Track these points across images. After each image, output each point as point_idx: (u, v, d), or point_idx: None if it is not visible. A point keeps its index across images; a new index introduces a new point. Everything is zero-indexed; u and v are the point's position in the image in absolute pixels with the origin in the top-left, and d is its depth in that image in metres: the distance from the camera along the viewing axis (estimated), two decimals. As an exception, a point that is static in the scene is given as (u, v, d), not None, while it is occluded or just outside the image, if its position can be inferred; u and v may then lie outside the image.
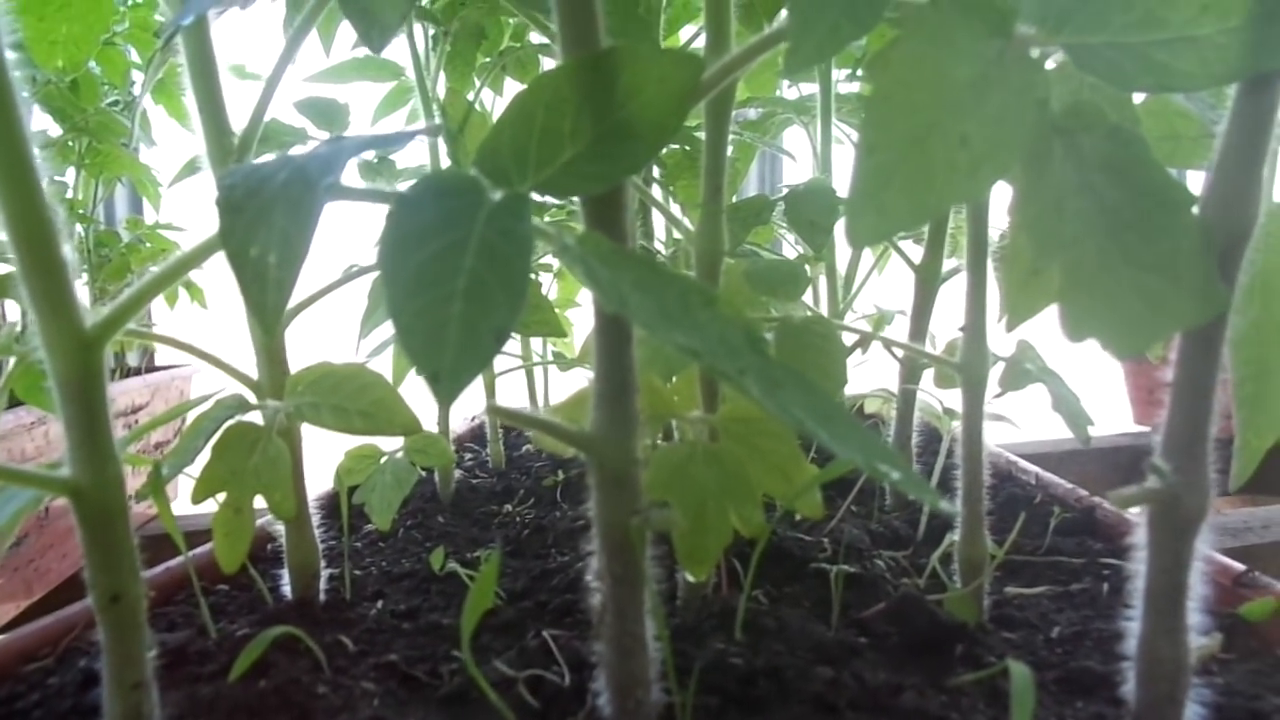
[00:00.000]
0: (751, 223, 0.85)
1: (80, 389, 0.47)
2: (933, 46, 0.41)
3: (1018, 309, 0.61)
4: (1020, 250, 0.59)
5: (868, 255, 1.28)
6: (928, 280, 1.02)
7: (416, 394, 0.73)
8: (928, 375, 1.05)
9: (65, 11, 0.98)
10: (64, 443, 0.48)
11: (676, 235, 1.32)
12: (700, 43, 1.12)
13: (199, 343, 0.73)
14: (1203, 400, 0.50)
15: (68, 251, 0.47)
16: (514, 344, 1.44)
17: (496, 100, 1.29)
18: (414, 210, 0.39)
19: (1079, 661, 0.66)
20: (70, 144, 1.61)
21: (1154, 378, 0.54)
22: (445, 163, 1.10)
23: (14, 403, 1.13)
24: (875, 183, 0.41)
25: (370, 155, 1.11)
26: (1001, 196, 0.63)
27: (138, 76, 1.64)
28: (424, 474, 1.07)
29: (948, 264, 1.02)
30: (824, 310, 1.19)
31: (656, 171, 1.07)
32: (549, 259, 1.42)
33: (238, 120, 0.71)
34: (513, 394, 1.65)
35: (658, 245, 1.29)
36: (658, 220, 1.31)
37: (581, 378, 1.44)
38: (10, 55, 0.43)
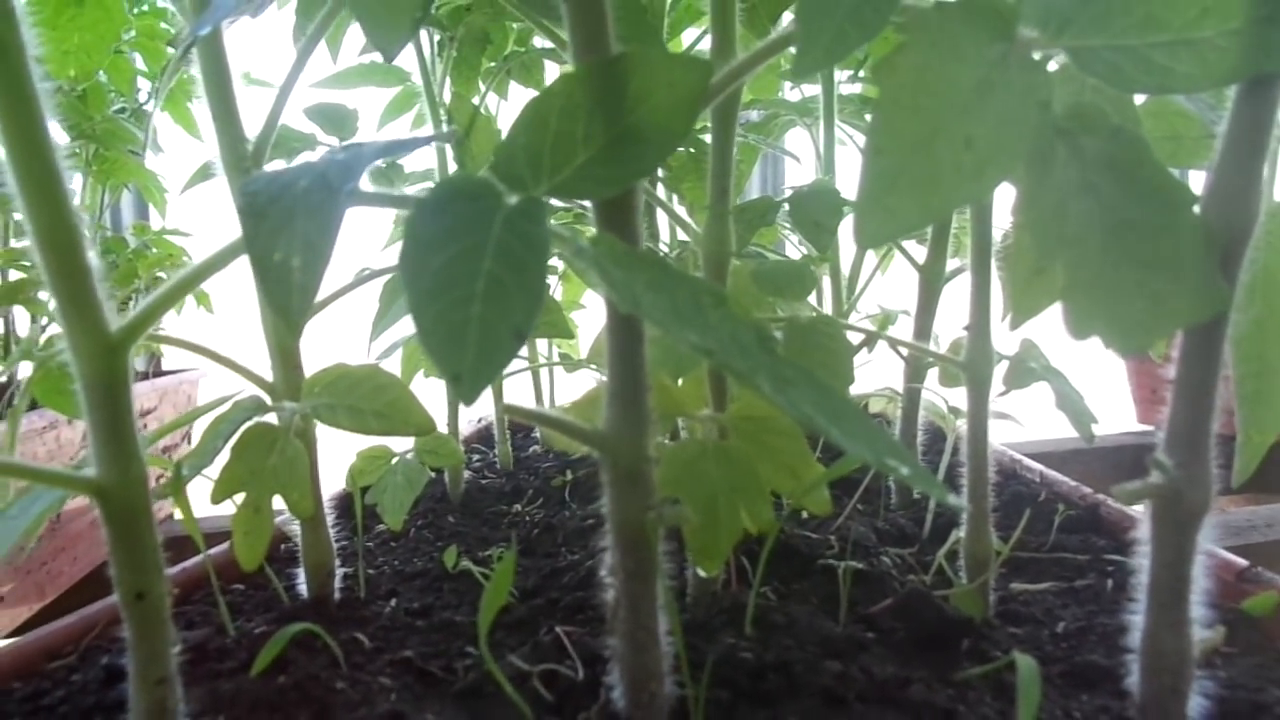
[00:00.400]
0: (757, 224, 0.86)
1: (106, 391, 0.49)
2: (937, 51, 0.42)
3: (1021, 307, 0.62)
4: (1024, 250, 0.60)
5: (871, 256, 1.29)
6: (932, 280, 1.03)
7: (424, 396, 0.74)
8: (932, 374, 1.05)
9: (77, 21, 0.99)
10: (89, 444, 0.49)
11: (681, 237, 1.33)
12: (702, 45, 1.13)
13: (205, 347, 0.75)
14: (1205, 396, 0.50)
15: (92, 257, 0.48)
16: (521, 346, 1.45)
17: (501, 105, 1.30)
18: (433, 215, 0.40)
19: (1084, 656, 0.67)
20: (78, 151, 1.62)
21: (1157, 377, 0.55)
22: (452, 167, 1.11)
23: (27, 407, 1.14)
24: (882, 185, 0.42)
25: (379, 160, 1.12)
26: (1004, 197, 0.64)
27: (143, 84, 1.66)
28: (434, 475, 1.08)
29: (951, 264, 1.03)
30: (828, 311, 1.20)
31: (661, 174, 1.08)
32: (554, 261, 1.42)
33: (247, 126, 0.72)
34: (518, 396, 1.67)
35: (663, 247, 1.30)
36: (662, 222, 1.32)
37: (588, 379, 1.45)
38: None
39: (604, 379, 0.53)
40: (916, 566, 0.86)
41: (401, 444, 0.95)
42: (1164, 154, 0.59)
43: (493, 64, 1.18)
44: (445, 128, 1.08)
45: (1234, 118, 0.48)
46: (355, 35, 1.11)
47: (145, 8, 1.57)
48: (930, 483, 0.37)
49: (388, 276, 0.88)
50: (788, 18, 0.82)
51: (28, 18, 0.45)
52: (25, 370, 0.84)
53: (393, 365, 1.09)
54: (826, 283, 1.24)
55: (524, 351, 1.48)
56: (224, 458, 0.68)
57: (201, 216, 1.92)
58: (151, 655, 0.51)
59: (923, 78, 0.42)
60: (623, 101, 0.45)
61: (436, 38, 1.12)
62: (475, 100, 1.15)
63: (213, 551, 0.84)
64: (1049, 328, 0.71)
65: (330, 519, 0.80)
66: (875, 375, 1.21)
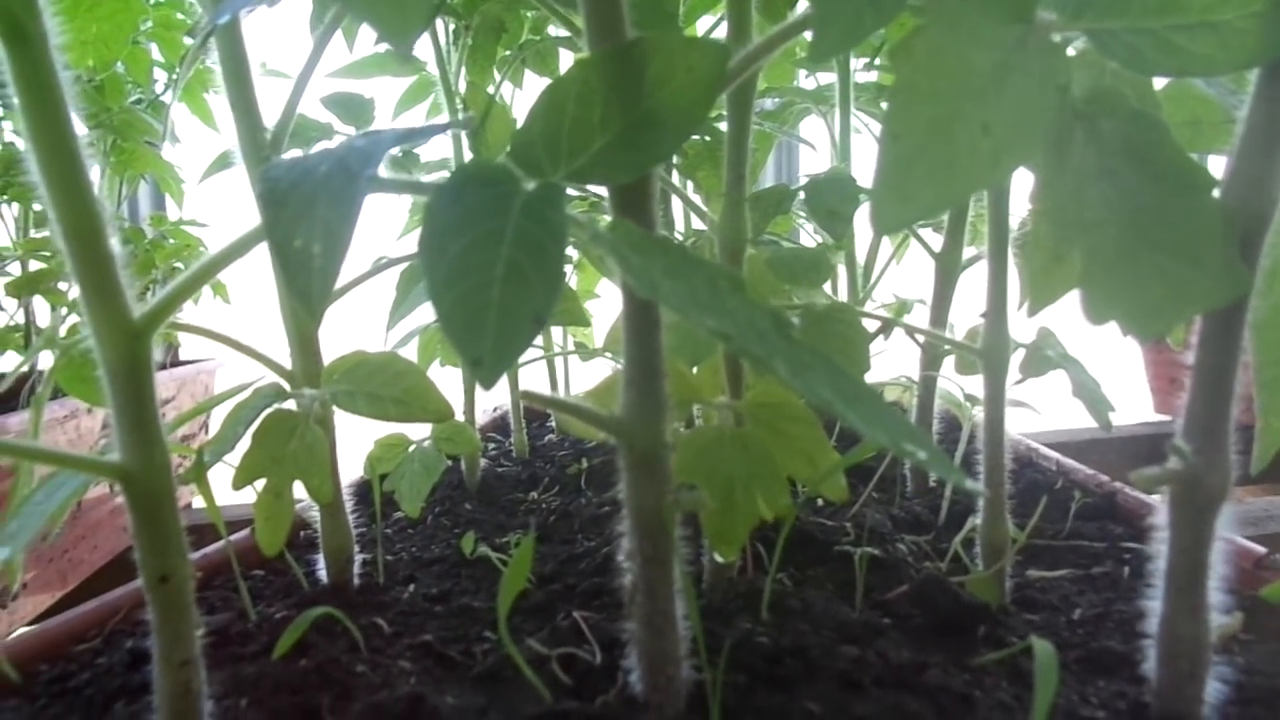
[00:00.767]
0: (772, 212, 0.86)
1: (129, 377, 0.49)
2: (954, 34, 0.42)
3: (1040, 294, 0.62)
4: (1042, 236, 0.60)
5: (886, 244, 1.28)
6: (948, 268, 1.02)
7: (440, 385, 0.74)
8: (947, 363, 1.05)
9: (95, 11, 1.00)
10: (113, 429, 0.50)
11: (695, 225, 1.33)
12: (716, 34, 1.13)
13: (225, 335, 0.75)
14: (1224, 382, 0.50)
15: (115, 243, 0.48)
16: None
17: (516, 93, 1.30)
18: (452, 201, 0.40)
19: (1100, 642, 0.67)
20: (95, 142, 1.63)
21: (1175, 365, 0.55)
22: (468, 156, 1.12)
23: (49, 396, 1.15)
24: (899, 170, 0.42)
25: (396, 149, 1.12)
26: (1022, 183, 0.64)
27: (160, 75, 1.66)
28: (450, 463, 1.08)
29: (967, 252, 1.03)
30: (844, 300, 1.20)
31: (675, 161, 1.08)
32: (569, 250, 1.43)
33: (264, 116, 0.73)
34: (533, 385, 1.67)
35: (678, 235, 1.30)
36: (677, 210, 1.32)
37: (603, 368, 1.45)
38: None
39: (620, 366, 0.54)
40: (932, 554, 0.86)
41: (418, 432, 0.96)
42: (1183, 139, 0.58)
43: (508, 52, 1.18)
44: (461, 116, 1.08)
45: (1255, 101, 0.47)
46: (371, 24, 1.11)
47: (162, -2, 1.58)
48: (948, 467, 0.37)
49: (404, 265, 0.89)
50: (803, 3, 0.82)
51: (50, 5, 0.46)
52: (46, 361, 0.85)
53: (409, 354, 1.10)
54: (841, 271, 1.24)
55: (539, 340, 1.48)
56: (244, 444, 0.69)
57: (218, 207, 1.93)
58: (176, 638, 0.52)
59: (940, 61, 0.42)
60: (640, 86, 0.45)
61: (452, 26, 1.12)
62: (490, 89, 1.16)
63: (233, 538, 0.85)
64: (1064, 316, 0.71)
65: (348, 506, 0.81)
66: (890, 364, 1.21)
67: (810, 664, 0.60)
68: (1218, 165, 0.50)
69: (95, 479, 0.54)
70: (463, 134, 1.12)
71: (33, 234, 1.67)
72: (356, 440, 0.91)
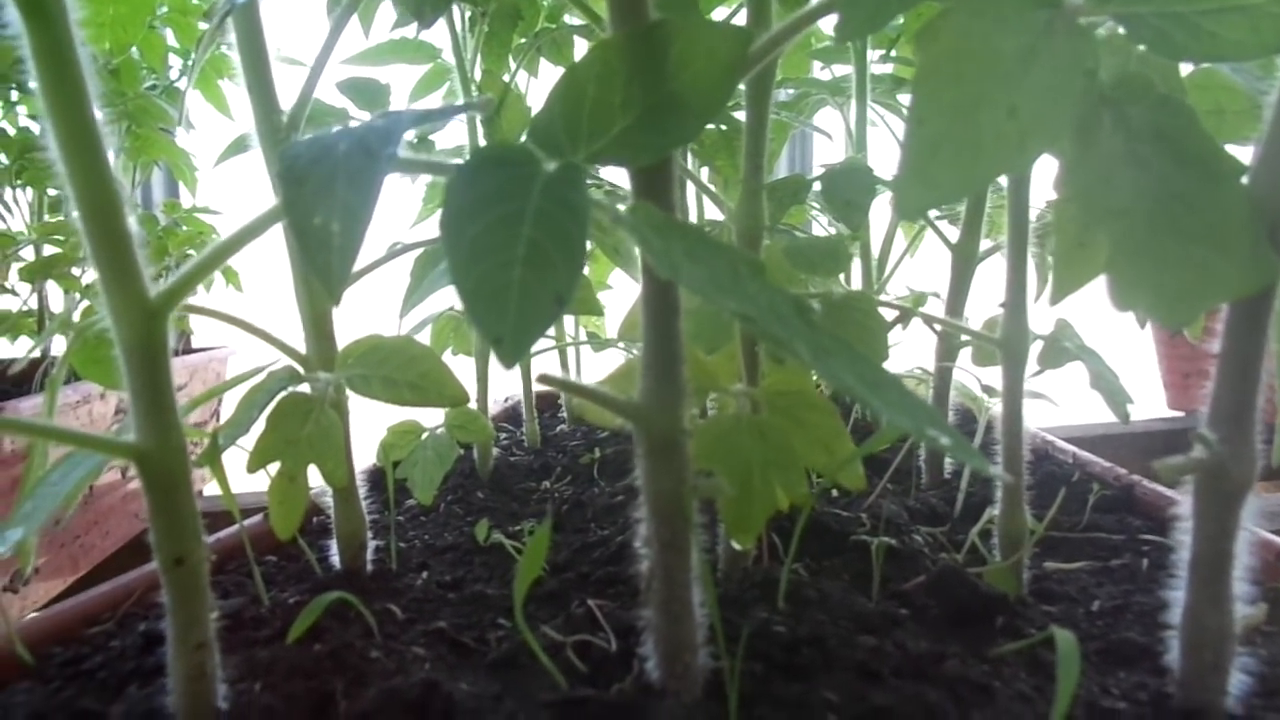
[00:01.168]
0: (789, 202, 0.85)
1: (145, 357, 0.49)
2: (980, 18, 0.41)
3: (1064, 280, 0.61)
4: (1067, 222, 0.59)
5: (900, 237, 1.28)
6: (965, 259, 1.02)
7: (454, 369, 0.74)
8: (964, 355, 1.04)
9: (113, -6, 1.00)
10: (130, 410, 0.50)
11: (710, 215, 1.33)
12: (734, 20, 1.12)
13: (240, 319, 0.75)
14: (1250, 371, 0.50)
15: (132, 223, 0.48)
16: (548, 325, 1.46)
17: (531, 82, 1.29)
18: (472, 181, 0.40)
19: (1120, 633, 0.66)
20: (110, 128, 1.63)
21: (1189, 361, 0.54)
22: (483, 142, 1.11)
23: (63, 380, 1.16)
24: (924, 154, 0.41)
25: (411, 135, 1.12)
26: (1042, 174, 0.63)
27: (175, 61, 1.66)
28: (463, 451, 1.08)
29: (984, 244, 1.02)
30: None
31: (690, 148, 1.08)
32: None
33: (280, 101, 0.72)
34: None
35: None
36: (692, 200, 1.32)
37: (615, 358, 1.45)
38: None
39: (635, 354, 0.53)
40: (948, 545, 0.86)
41: (431, 419, 0.95)
42: (1208, 128, 0.58)
43: (523, 40, 1.17)
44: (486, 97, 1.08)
45: (1285, 86, 0.47)
46: (387, 10, 1.11)
47: (178, -17, 1.57)
48: (970, 453, 0.37)
49: (419, 251, 0.89)
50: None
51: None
52: (59, 345, 0.85)
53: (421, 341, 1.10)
54: (856, 264, 1.23)
55: (552, 330, 1.48)
56: (259, 428, 0.69)
57: (231, 194, 1.94)
58: (190, 620, 0.52)
59: (965, 45, 0.41)
60: (662, 69, 0.44)
61: (468, 13, 1.12)
62: (506, 77, 1.15)
63: (246, 523, 0.85)
64: (1078, 309, 0.70)
65: (362, 493, 0.81)
66: (906, 356, 1.20)
67: (828, 653, 0.60)
68: (1240, 155, 0.50)
69: (110, 461, 0.54)
70: (478, 123, 1.11)
71: (46, 219, 1.68)
72: (369, 427, 0.91)
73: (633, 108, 0.44)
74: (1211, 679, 0.53)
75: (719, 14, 1.22)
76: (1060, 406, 0.96)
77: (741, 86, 0.68)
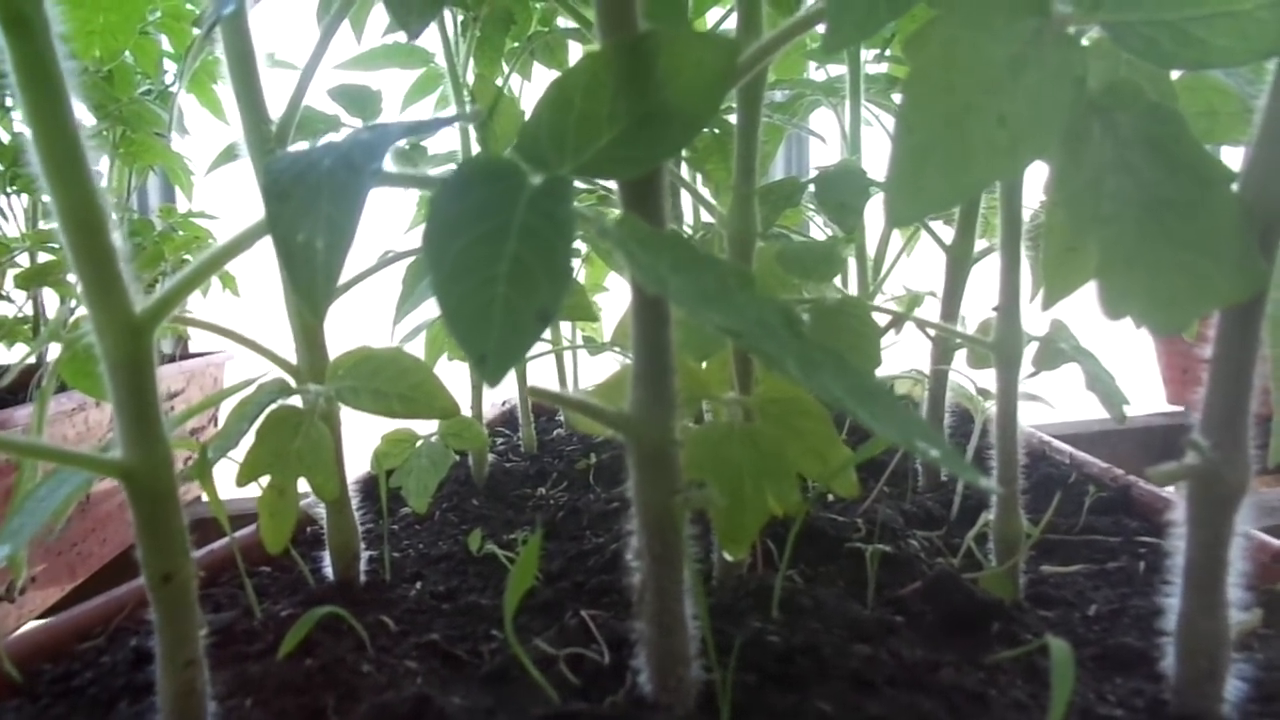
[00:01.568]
0: (782, 205, 0.85)
1: (130, 372, 0.48)
2: (969, 26, 0.41)
3: (1054, 287, 0.61)
4: (1057, 228, 0.59)
5: (896, 237, 1.28)
6: (959, 261, 1.01)
7: (448, 379, 0.74)
8: (959, 357, 1.04)
9: (102, 1, 0.99)
10: (115, 426, 0.50)
11: (704, 219, 1.32)
12: (724, 27, 1.12)
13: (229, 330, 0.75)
14: (1242, 376, 0.50)
15: (117, 238, 0.48)
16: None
17: (524, 86, 1.29)
18: (457, 195, 0.40)
19: (1117, 638, 0.66)
20: (104, 133, 1.63)
21: (1187, 356, 0.54)
22: (476, 149, 1.11)
23: (55, 389, 1.15)
24: (913, 163, 0.41)
25: (403, 142, 1.11)
26: (1034, 176, 0.63)
27: (169, 66, 1.66)
28: (458, 458, 1.08)
29: (979, 245, 1.02)
30: (854, 294, 1.19)
31: (684, 154, 1.07)
32: (577, 244, 1.42)
33: (271, 108, 0.72)
34: (541, 379, 1.67)
35: (686, 229, 1.29)
36: (686, 204, 1.32)
37: (611, 362, 1.45)
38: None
39: (628, 361, 0.53)
40: (945, 549, 0.86)
41: (426, 427, 0.95)
42: (1200, 130, 0.58)
43: (516, 44, 1.17)
44: (469, 109, 1.08)
45: (1274, 92, 0.47)
46: (378, 15, 1.11)
47: (170, -11, 1.57)
48: (960, 464, 0.37)
49: (411, 259, 0.88)
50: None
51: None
52: (54, 352, 0.84)
53: (416, 348, 1.09)
54: (852, 265, 1.23)
55: (547, 334, 1.47)
56: (249, 441, 0.68)
57: (228, 199, 1.93)
58: (179, 638, 0.52)
59: (954, 54, 0.41)
60: (649, 80, 0.44)
61: (460, 18, 1.12)
62: (499, 81, 1.15)
63: (238, 534, 0.85)
64: (1075, 306, 0.70)
65: (355, 502, 0.80)
66: (901, 358, 1.20)
67: (822, 663, 0.59)
68: (1230, 157, 0.50)
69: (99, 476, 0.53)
70: (470, 127, 1.11)
71: (41, 225, 1.67)
72: (364, 434, 0.91)
73: (620, 120, 0.44)
74: (1207, 686, 0.52)
75: (713, 15, 1.22)
76: (1058, 405, 0.96)
77: (732, 91, 0.68)
